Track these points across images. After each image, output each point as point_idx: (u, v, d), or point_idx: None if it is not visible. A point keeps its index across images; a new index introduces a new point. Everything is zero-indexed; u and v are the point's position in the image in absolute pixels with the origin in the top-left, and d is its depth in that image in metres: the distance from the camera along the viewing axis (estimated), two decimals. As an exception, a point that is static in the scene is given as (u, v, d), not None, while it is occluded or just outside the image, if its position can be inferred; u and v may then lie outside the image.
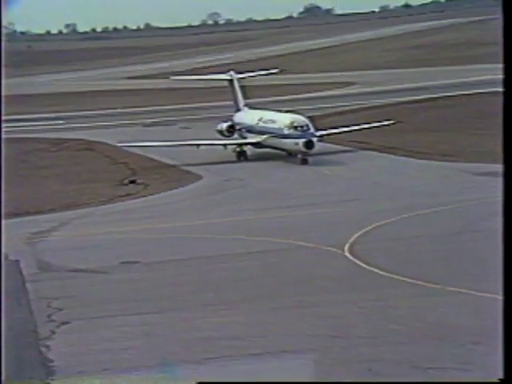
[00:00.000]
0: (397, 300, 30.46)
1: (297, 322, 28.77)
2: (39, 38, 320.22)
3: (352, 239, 39.80)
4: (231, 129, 72.47)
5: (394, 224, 43.28)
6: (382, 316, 28.91)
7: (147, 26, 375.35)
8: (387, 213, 45.39)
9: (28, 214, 51.73)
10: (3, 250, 37.99)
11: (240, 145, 69.24)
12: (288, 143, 63.76)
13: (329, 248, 38.49)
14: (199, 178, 61.82)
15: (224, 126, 72.90)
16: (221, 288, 33.67)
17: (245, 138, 70.77)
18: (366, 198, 50.52)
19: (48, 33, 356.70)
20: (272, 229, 43.58)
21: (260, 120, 69.50)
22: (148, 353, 26.94)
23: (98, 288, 35.03)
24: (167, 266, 37.75)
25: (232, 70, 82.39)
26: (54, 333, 29.30)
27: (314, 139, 62.74)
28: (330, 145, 69.50)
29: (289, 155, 65.17)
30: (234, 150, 68.73)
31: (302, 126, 63.37)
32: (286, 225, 44.62)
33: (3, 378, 22.74)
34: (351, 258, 36.76)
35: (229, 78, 77.46)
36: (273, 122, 67.19)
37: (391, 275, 33.54)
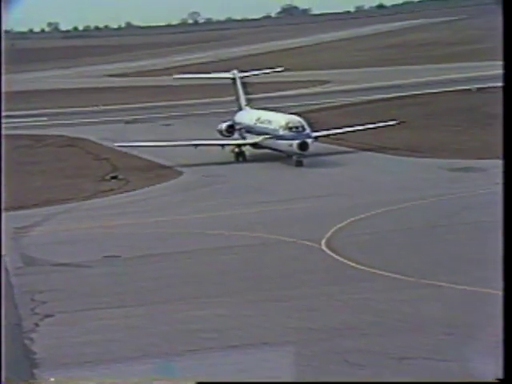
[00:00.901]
0: (372, 293, 30.52)
1: (275, 315, 28.74)
2: (22, 36, 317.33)
3: (329, 233, 39.80)
4: (230, 129, 69.20)
5: (371, 218, 43.33)
6: (358, 308, 28.97)
7: (128, 24, 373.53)
8: (365, 207, 45.41)
9: (12, 209, 51.23)
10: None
11: (238, 145, 66.07)
12: (282, 144, 61.16)
13: (307, 242, 38.47)
14: (180, 174, 61.49)
15: (223, 125, 69.73)
16: (201, 282, 33.57)
17: (244, 138, 67.56)
18: (345, 195, 50.33)
19: (31, 31, 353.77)
20: (251, 224, 43.50)
21: (258, 120, 66.74)
22: (130, 345, 26.85)
23: (82, 282, 34.84)
24: (149, 260, 37.59)
25: (229, 68, 79.01)
26: (37, 326, 29.13)
27: (309, 140, 60.05)
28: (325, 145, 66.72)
29: (288, 157, 61.53)
30: (233, 151, 65.65)
31: (296, 127, 60.81)
32: (264, 220, 44.53)
33: (3, 378, 22.48)
34: (328, 251, 36.77)
35: (231, 76, 74.11)
36: (269, 122, 64.61)
37: (367, 268, 33.60)
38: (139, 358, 25.59)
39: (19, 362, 25.95)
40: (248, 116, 69.85)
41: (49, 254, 39.64)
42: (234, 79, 73.80)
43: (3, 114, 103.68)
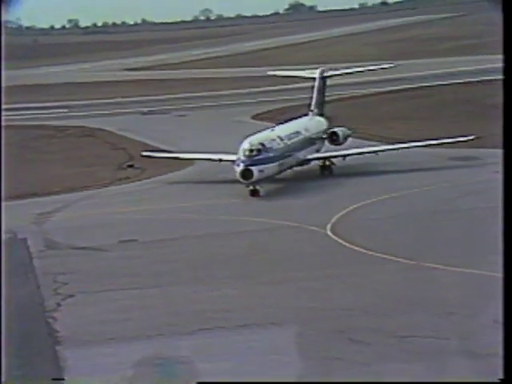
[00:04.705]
0: (375, 275, 30.64)
1: (283, 296, 28.94)
2: (44, 32, 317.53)
3: (334, 219, 39.89)
4: None
5: (373, 205, 43.38)
6: (362, 289, 29.12)
7: (144, 21, 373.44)
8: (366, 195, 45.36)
9: (34, 195, 51.60)
10: (7, 230, 38.21)
11: None
12: (235, 170, 47.42)
13: (312, 227, 38.58)
14: (192, 163, 61.28)
15: None
16: (214, 265, 33.77)
17: None
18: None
19: (52, 27, 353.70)
20: (259, 211, 43.56)
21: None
22: (146, 323, 27.13)
23: (100, 264, 35.12)
24: (163, 244, 37.79)
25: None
26: (59, 305, 29.43)
27: (254, 168, 45.98)
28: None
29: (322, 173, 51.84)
30: None
31: (250, 150, 46.88)
32: (271, 207, 44.53)
33: (3, 378, 22.69)
34: (333, 236, 36.88)
35: (313, 76, 60.94)
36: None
37: (371, 252, 33.69)
38: (155, 337, 25.86)
39: (42, 339, 26.23)
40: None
41: (69, 238, 39.90)
42: (313, 78, 60.58)
43: (26, 105, 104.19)
